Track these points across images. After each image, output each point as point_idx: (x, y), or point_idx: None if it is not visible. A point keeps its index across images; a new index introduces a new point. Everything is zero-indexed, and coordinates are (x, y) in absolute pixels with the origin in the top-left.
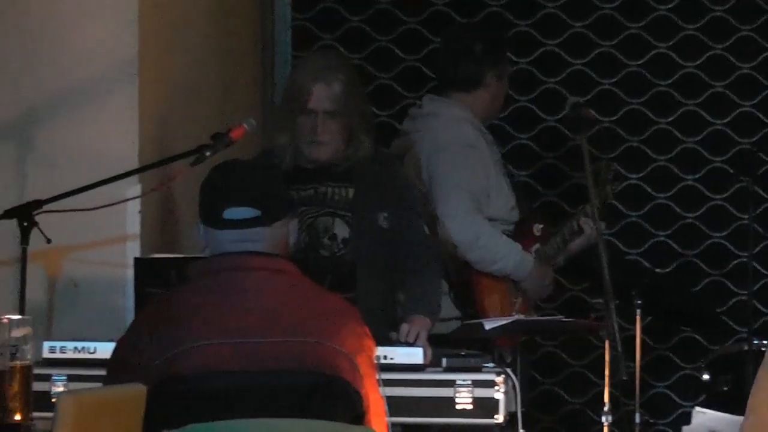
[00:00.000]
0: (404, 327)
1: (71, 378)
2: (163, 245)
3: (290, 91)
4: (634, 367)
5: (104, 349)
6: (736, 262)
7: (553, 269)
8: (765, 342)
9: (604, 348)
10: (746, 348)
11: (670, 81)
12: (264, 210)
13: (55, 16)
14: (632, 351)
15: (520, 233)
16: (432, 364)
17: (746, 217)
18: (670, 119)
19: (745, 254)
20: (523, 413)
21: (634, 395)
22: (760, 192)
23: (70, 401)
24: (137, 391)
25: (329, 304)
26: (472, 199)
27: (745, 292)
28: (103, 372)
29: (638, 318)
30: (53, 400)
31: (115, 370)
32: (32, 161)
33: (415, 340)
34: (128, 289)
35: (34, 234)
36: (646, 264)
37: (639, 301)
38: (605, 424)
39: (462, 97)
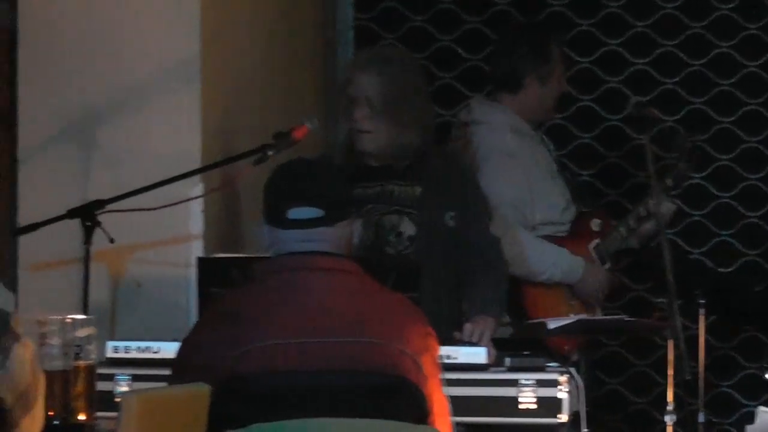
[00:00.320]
0: (468, 327)
1: (135, 378)
2: (225, 245)
3: (340, 80)
4: (698, 366)
5: (167, 349)
6: None
7: (621, 260)
8: None
9: (667, 347)
10: None
11: (732, 80)
12: (328, 210)
13: (117, 16)
14: (696, 350)
15: (576, 231)
16: (495, 363)
17: None
18: (732, 118)
19: None
20: (586, 413)
21: (698, 395)
22: None
23: (134, 401)
24: (201, 390)
25: (393, 305)
26: (514, 211)
27: None
28: (166, 371)
29: (702, 317)
30: (116, 399)
31: (180, 370)
32: (95, 161)
33: (479, 339)
34: (191, 288)
35: (98, 234)
36: (710, 263)
37: (702, 301)
38: (669, 423)
39: (508, 98)
